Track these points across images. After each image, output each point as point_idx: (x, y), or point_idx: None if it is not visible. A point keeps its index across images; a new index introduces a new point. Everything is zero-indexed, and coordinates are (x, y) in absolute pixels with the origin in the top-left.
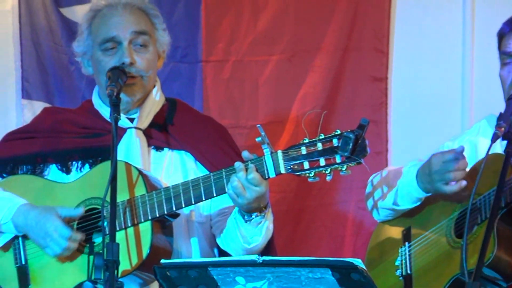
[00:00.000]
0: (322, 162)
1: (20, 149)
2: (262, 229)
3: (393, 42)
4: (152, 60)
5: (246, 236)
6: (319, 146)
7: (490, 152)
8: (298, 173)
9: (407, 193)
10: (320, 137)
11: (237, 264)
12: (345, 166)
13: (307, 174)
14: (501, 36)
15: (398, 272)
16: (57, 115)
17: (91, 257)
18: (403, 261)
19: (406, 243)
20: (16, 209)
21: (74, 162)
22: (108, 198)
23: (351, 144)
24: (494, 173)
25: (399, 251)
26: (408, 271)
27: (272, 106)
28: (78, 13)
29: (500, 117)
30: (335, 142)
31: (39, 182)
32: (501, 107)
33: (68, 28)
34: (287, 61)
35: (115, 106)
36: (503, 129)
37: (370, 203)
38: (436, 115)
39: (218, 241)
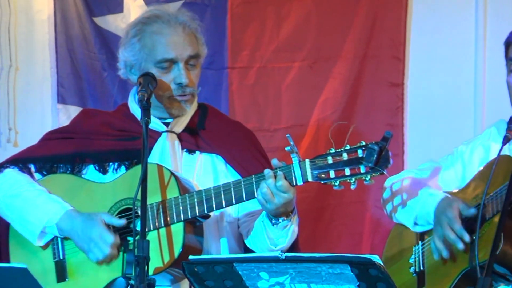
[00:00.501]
0: (347, 171)
1: (59, 148)
2: (288, 232)
3: (409, 50)
4: (199, 76)
5: (273, 238)
6: (345, 156)
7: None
8: (324, 181)
9: (425, 218)
10: (346, 148)
11: (261, 260)
12: (369, 176)
13: (333, 183)
14: (508, 44)
15: (411, 269)
16: (94, 117)
17: (125, 254)
18: (417, 258)
19: (420, 242)
20: (63, 214)
21: (111, 164)
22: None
23: (375, 156)
24: (501, 174)
25: (413, 249)
26: (421, 268)
27: (294, 110)
28: (110, 22)
29: (510, 121)
30: (360, 153)
31: (77, 181)
32: (510, 111)
33: (101, 37)
34: (308, 68)
35: (145, 110)
36: None
37: (389, 208)
38: (450, 119)
39: (246, 241)
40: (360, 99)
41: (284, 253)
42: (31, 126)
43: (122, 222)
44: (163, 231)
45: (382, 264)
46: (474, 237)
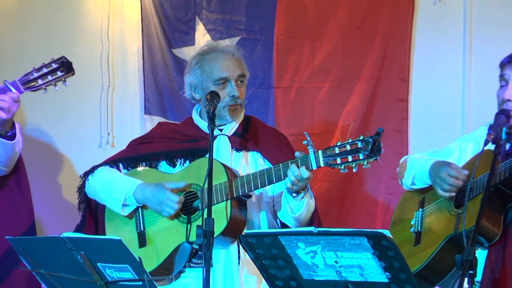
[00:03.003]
0: (350, 158)
1: (140, 150)
2: (304, 202)
3: (412, 73)
4: (245, 91)
5: (292, 208)
6: (348, 147)
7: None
8: (332, 166)
9: (421, 179)
10: (349, 141)
11: (299, 233)
12: (365, 161)
13: (339, 167)
14: (501, 65)
15: (412, 229)
16: (167, 127)
17: (188, 225)
18: (417, 221)
19: (420, 209)
20: (136, 187)
21: (178, 160)
22: (205, 186)
23: (370, 146)
24: (485, 164)
25: (415, 214)
26: (419, 229)
27: (325, 119)
28: (184, 53)
29: (491, 127)
30: (359, 144)
31: (154, 172)
32: (491, 117)
33: (178, 64)
34: (335, 87)
35: (211, 119)
36: (492, 136)
37: (399, 175)
38: (442, 126)
39: (279, 214)
40: (375, 111)
41: (317, 228)
42: (124, 131)
43: (183, 183)
44: (217, 206)
45: (391, 237)
46: (460, 211)
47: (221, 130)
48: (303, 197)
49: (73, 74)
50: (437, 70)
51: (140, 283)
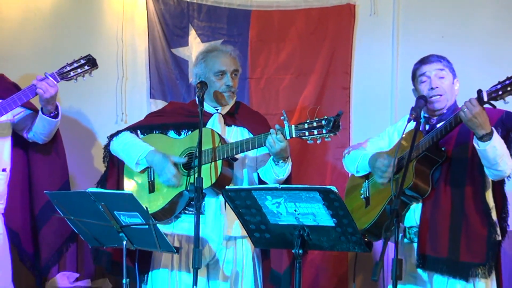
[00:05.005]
0: (315, 132)
1: (154, 121)
2: (285, 169)
3: (353, 67)
4: (238, 82)
5: (276, 173)
6: (314, 124)
7: (406, 131)
8: (302, 137)
9: (363, 168)
10: (316, 119)
11: (267, 189)
12: (327, 135)
13: (307, 138)
14: (416, 69)
15: (362, 196)
16: (176, 105)
17: (188, 178)
18: (365, 189)
19: (366, 180)
20: (148, 152)
21: (183, 130)
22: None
23: (331, 124)
24: (409, 142)
25: (363, 184)
26: (367, 195)
27: (287, 103)
28: (180, 52)
29: (412, 109)
30: (323, 122)
31: (164, 138)
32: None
33: (175, 60)
34: (295, 78)
35: (200, 102)
36: (413, 115)
37: (345, 165)
38: (375, 107)
39: (260, 173)
40: (325, 97)
41: (280, 185)
42: (134, 111)
43: (183, 160)
44: (212, 164)
45: (337, 191)
46: (395, 177)
47: (217, 109)
48: (284, 165)
49: (97, 68)
50: (372, 65)
51: (147, 226)
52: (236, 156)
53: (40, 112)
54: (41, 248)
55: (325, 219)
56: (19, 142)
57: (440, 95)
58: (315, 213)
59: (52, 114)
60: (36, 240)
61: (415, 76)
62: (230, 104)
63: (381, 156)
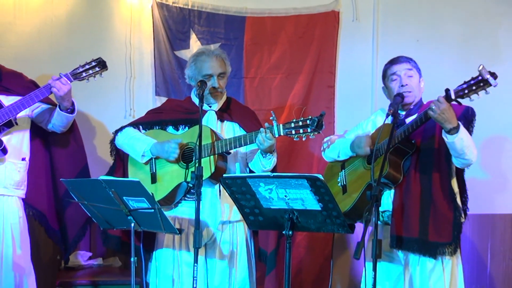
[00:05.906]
0: (301, 131)
1: (154, 118)
2: (271, 161)
3: (337, 68)
4: (225, 82)
5: (264, 164)
6: (300, 123)
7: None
8: (289, 135)
9: (344, 152)
10: (301, 119)
11: (261, 177)
12: (312, 134)
13: (293, 136)
14: (387, 69)
15: (339, 184)
16: (173, 102)
17: (187, 171)
18: (342, 178)
19: (343, 169)
20: (152, 145)
21: (181, 125)
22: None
23: (316, 123)
24: (386, 132)
25: (339, 173)
26: (344, 183)
27: (278, 100)
28: (182, 53)
29: (390, 105)
30: (308, 122)
31: (163, 133)
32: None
33: (178, 61)
34: (285, 78)
35: (201, 99)
36: (391, 111)
37: (324, 152)
38: (357, 104)
39: (250, 165)
40: (312, 94)
41: (272, 173)
42: (141, 107)
43: (180, 139)
44: (206, 159)
45: (323, 179)
46: (369, 167)
47: (210, 106)
48: (271, 157)
49: (107, 69)
50: (354, 66)
51: (152, 210)
52: (230, 151)
53: (57, 109)
54: (67, 226)
55: (312, 203)
56: (38, 134)
57: (410, 91)
58: (303, 198)
59: (68, 110)
60: (62, 220)
61: (385, 75)
62: (219, 102)
63: (361, 136)
